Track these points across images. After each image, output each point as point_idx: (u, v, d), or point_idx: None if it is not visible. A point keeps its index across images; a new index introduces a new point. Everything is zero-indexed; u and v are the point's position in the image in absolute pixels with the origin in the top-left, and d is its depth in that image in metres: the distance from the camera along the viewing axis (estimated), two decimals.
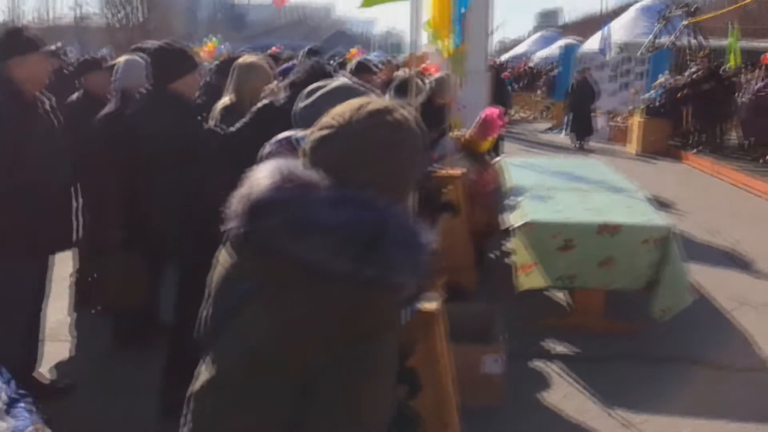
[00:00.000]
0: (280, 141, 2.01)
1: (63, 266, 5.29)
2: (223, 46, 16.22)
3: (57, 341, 4.75)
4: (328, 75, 3.19)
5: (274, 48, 13.80)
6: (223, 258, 1.49)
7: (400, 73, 6.75)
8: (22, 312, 3.73)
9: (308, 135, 1.47)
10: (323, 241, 1.29)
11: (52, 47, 7.49)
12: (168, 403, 3.70)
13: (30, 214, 3.50)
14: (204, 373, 1.42)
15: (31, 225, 3.52)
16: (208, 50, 15.84)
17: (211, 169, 3.57)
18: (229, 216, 1.41)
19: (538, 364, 4.64)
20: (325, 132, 1.43)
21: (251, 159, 3.43)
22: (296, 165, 1.41)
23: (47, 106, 3.77)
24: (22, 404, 2.15)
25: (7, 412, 2.05)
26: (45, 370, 4.24)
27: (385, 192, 1.38)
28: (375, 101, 1.48)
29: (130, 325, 4.65)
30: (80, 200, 4.08)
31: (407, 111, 1.48)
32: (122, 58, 4.93)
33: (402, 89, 5.15)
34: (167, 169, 3.55)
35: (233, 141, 3.54)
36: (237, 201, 1.39)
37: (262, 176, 1.39)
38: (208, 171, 3.56)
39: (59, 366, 4.46)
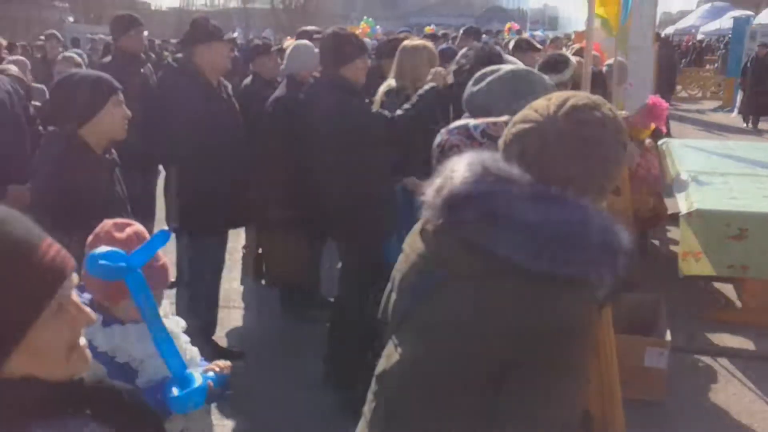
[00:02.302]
0: (456, 129, 2.02)
1: (236, 239, 5.68)
2: (378, 27, 16.42)
3: (231, 308, 5.13)
4: (498, 58, 3.14)
5: (429, 27, 13.82)
6: (416, 245, 1.49)
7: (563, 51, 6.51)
8: (206, 282, 4.06)
9: (507, 127, 1.43)
10: (521, 237, 1.28)
11: (233, 34, 7.97)
12: (331, 371, 3.91)
13: (214, 193, 3.78)
14: (394, 355, 1.45)
15: (216, 202, 3.81)
16: (361, 31, 16.09)
17: (377, 152, 3.67)
18: (424, 205, 1.41)
19: (705, 359, 4.41)
20: (527, 126, 1.38)
21: (415, 143, 3.52)
22: (496, 158, 1.38)
23: (229, 91, 4.04)
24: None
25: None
26: (221, 334, 4.61)
27: (585, 189, 1.34)
28: (579, 95, 1.42)
29: (294, 298, 4.93)
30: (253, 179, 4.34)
31: (612, 107, 1.41)
32: (288, 43, 5.12)
33: (553, 67, 4.91)
34: (335, 152, 3.68)
35: (398, 125, 3.60)
36: (434, 191, 1.39)
37: (461, 168, 1.37)
38: (374, 154, 3.66)
39: (233, 331, 4.82)
